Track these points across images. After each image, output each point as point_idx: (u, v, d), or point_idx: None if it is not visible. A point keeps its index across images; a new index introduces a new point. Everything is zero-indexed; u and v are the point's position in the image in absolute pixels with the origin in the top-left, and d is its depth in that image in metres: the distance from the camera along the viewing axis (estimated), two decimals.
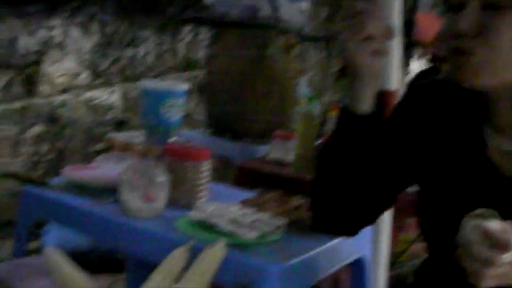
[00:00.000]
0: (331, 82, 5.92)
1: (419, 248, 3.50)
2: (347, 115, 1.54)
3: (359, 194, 1.58)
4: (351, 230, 1.70)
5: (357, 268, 2.10)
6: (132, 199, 1.86)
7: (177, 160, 1.96)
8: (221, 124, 3.69)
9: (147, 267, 2.56)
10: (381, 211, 1.66)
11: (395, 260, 2.95)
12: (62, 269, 1.37)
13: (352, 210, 1.61)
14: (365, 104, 1.51)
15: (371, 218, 1.67)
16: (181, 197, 1.96)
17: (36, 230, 3.21)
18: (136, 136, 2.34)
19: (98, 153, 3.14)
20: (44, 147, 3.97)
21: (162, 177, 1.88)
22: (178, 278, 1.42)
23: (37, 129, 3.91)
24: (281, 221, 1.79)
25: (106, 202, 1.97)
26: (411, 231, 3.54)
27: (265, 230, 1.73)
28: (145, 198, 1.85)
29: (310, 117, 2.89)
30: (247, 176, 2.91)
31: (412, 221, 3.61)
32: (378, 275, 2.65)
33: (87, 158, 3.76)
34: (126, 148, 2.21)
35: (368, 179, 1.57)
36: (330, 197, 1.60)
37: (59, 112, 4.04)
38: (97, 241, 3.23)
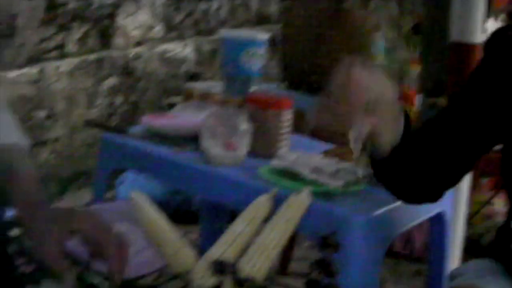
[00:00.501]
0: (404, 39, 5.81)
1: (492, 209, 3.44)
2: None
3: (444, 160, 1.54)
4: (434, 196, 1.64)
5: (437, 223, 2.06)
6: (213, 147, 1.84)
7: (259, 109, 1.93)
8: (296, 78, 3.65)
9: (221, 218, 2.58)
10: (465, 173, 1.61)
11: (468, 220, 2.89)
12: (148, 213, 1.37)
13: (436, 176, 1.56)
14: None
15: (455, 181, 1.62)
16: (262, 146, 1.94)
17: (111, 181, 3.24)
18: (214, 86, 2.33)
19: (171, 106, 3.13)
20: (119, 99, 4.00)
21: (244, 125, 1.86)
22: (261, 226, 1.41)
23: (111, 81, 3.94)
24: (365, 171, 1.75)
25: (187, 150, 1.96)
26: (485, 192, 3.47)
27: (350, 180, 1.70)
28: (226, 146, 1.84)
29: (387, 72, 2.84)
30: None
31: (485, 182, 3.54)
32: (456, 233, 2.59)
33: (161, 110, 3.78)
34: (205, 97, 2.19)
35: (453, 143, 1.52)
36: (413, 165, 1.55)
37: (134, 65, 4.06)
38: (177, 189, 3.25)
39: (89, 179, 3.82)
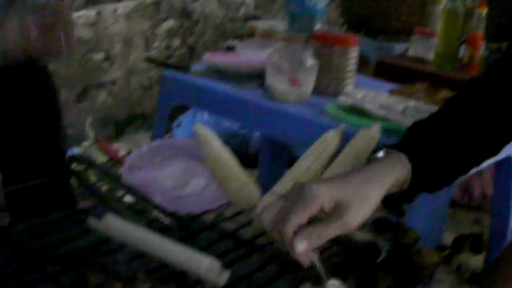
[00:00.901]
0: None
1: None
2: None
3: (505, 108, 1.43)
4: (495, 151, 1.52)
5: (504, 167, 1.99)
6: (278, 83, 1.80)
7: (325, 46, 1.88)
8: (357, 21, 3.58)
9: (280, 162, 2.54)
10: None
11: None
12: (212, 147, 1.33)
13: (498, 127, 1.46)
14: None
15: None
16: (327, 84, 1.89)
17: (169, 122, 3.23)
18: (277, 25, 2.27)
19: (229, 49, 3.09)
20: (176, 42, 3.96)
21: (310, 61, 1.81)
22: (329, 162, 1.36)
23: (169, 23, 3.90)
24: (435, 109, 1.68)
25: (250, 86, 1.92)
26: None
27: (420, 117, 1.63)
28: (291, 82, 1.79)
29: (454, 15, 2.75)
30: (386, 72, 2.80)
31: None
32: None
33: None
34: (268, 35, 2.14)
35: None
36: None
37: (191, 7, 4.00)
38: (235, 132, 3.22)
39: (145, 121, 3.82)
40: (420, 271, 1.01)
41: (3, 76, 1.73)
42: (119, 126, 3.75)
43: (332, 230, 0.95)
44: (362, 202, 0.98)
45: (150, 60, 3.22)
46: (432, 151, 1.13)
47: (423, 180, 1.11)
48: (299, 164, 1.35)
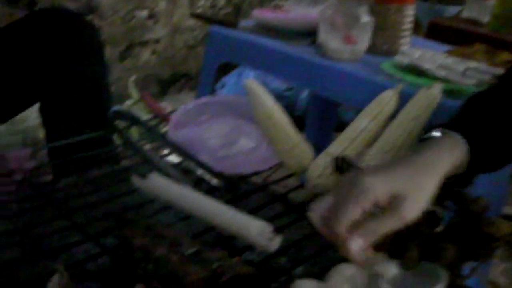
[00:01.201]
0: None
1: None
2: None
3: None
4: None
5: None
6: (331, 40, 1.71)
7: (381, 2, 1.78)
8: None
9: (329, 125, 2.46)
10: None
11: None
12: (264, 103, 1.26)
13: None
14: None
15: None
16: (382, 42, 1.80)
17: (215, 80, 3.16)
18: None
19: (276, 7, 3.00)
20: (221, 1, 3.88)
21: (365, 18, 1.72)
22: (386, 122, 1.29)
23: None
24: (498, 71, 1.59)
25: (302, 44, 1.84)
26: None
27: (482, 79, 1.54)
28: (345, 39, 1.70)
29: None
30: (439, 34, 2.69)
31: None
32: None
33: None
34: None
35: None
36: None
37: None
38: (280, 93, 3.15)
39: (189, 81, 3.76)
40: (491, 242, 0.93)
41: (50, 30, 1.68)
42: (162, 85, 3.70)
43: (388, 225, 0.87)
44: (419, 192, 0.89)
45: (196, 15, 3.14)
46: (491, 130, 1.03)
47: (482, 162, 1.02)
48: (355, 124, 1.28)
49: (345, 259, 0.88)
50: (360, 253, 0.86)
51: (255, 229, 1.01)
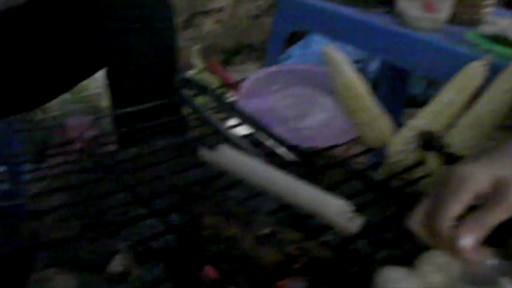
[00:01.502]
0: None
1: None
2: None
3: None
4: None
5: None
6: (411, 8, 1.61)
7: None
8: None
9: (399, 97, 2.35)
10: None
11: None
12: (343, 71, 1.17)
13: None
14: None
15: None
16: (464, 11, 1.68)
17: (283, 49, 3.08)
18: None
19: None
20: None
21: None
22: (473, 96, 1.18)
23: None
24: None
25: (379, 11, 1.74)
26: None
27: None
28: (426, 7, 1.59)
29: None
30: None
31: None
32: None
33: None
34: None
35: None
36: None
37: None
38: (368, 53, 3.04)
39: (252, 52, 3.68)
40: None
41: None
42: (226, 55, 3.62)
43: (498, 216, 0.75)
44: None
45: None
46: None
47: None
48: (441, 97, 1.18)
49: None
50: (473, 250, 0.76)
51: (334, 208, 0.92)
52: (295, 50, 3.32)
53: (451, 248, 0.76)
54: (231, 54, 3.65)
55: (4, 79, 1.57)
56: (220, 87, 1.46)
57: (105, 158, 1.14)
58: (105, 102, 2.26)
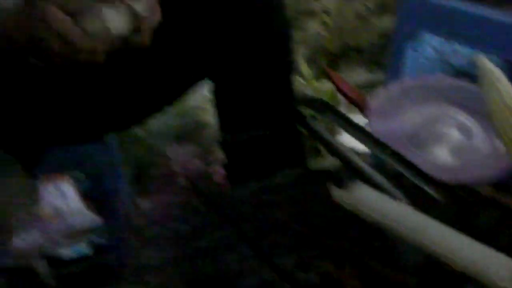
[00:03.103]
0: None
1: None
2: None
3: None
4: None
5: None
6: None
7: None
8: None
9: None
10: None
11: None
12: (502, 88, 0.96)
13: None
14: None
15: None
16: None
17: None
18: None
19: None
20: None
21: None
22: None
23: None
24: None
25: None
26: None
27: None
28: None
29: None
30: None
31: None
32: None
33: None
34: None
35: None
36: None
37: None
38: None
39: (360, 56, 3.51)
40: None
41: None
42: (331, 59, 3.46)
43: None
44: None
45: None
46: None
47: None
48: None
49: None
50: None
51: (497, 268, 0.73)
52: (406, 51, 3.12)
53: None
54: (337, 57, 3.48)
55: (101, 92, 1.36)
56: (344, 104, 1.26)
57: (216, 197, 0.96)
58: (209, 117, 2.01)
